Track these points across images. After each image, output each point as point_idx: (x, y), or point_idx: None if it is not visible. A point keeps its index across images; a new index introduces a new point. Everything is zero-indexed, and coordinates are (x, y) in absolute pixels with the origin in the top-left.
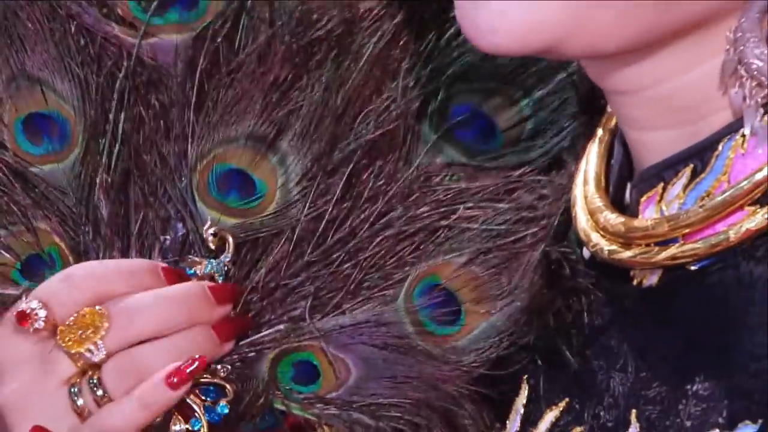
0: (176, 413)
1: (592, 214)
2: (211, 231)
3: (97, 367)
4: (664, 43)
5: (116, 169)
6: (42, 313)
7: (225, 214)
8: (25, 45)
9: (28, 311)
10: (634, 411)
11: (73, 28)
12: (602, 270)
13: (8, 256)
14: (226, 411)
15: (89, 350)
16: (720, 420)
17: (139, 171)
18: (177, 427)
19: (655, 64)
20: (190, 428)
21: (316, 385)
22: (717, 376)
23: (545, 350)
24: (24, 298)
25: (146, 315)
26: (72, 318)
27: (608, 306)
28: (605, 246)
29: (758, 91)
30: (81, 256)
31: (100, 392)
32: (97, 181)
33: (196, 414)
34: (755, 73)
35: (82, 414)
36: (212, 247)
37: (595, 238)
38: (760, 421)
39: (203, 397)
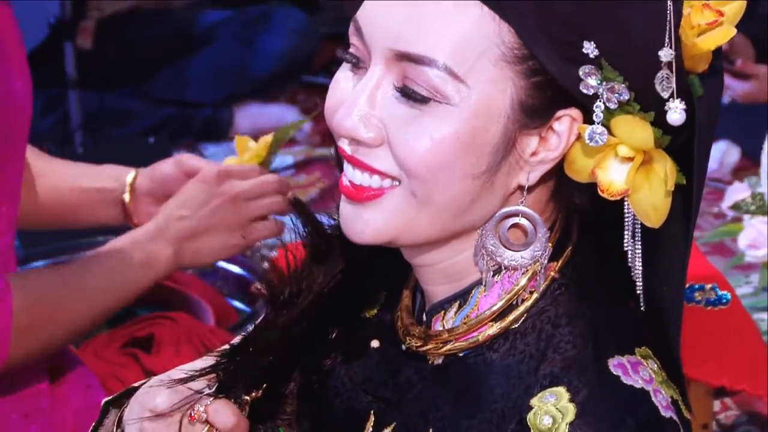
0: None
1: (405, 326)
2: None
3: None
4: (449, 239)
5: None
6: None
7: None
8: None
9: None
10: (431, 428)
11: None
12: (412, 356)
13: None
14: None
15: None
16: None
17: None
18: None
19: (442, 251)
20: None
21: None
22: (476, 412)
23: (383, 398)
24: None
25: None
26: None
27: (416, 375)
28: (414, 343)
29: (490, 262)
30: None
31: None
32: None
33: None
34: (490, 252)
35: None
36: None
37: (408, 339)
38: None
39: None
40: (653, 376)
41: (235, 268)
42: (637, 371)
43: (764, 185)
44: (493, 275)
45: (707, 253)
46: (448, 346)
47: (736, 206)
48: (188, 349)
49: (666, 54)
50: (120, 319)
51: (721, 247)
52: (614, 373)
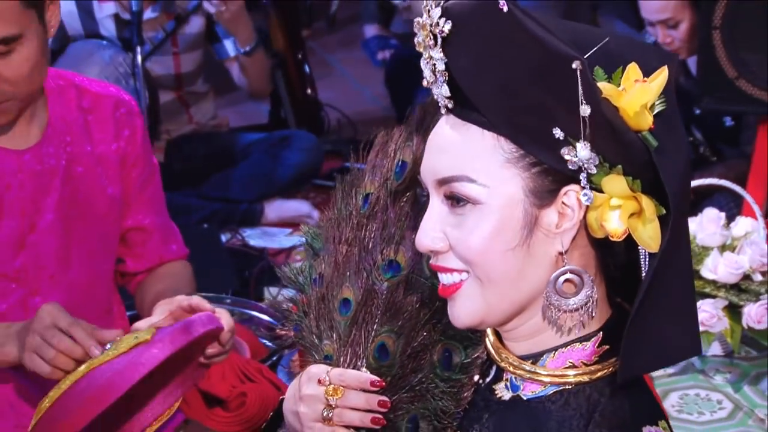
0: None
1: (497, 350)
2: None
3: (331, 407)
4: (521, 309)
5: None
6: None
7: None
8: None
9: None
10: None
11: None
12: (486, 389)
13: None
14: None
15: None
16: None
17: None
18: None
19: (519, 318)
20: None
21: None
22: None
23: (460, 423)
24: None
25: (355, 399)
26: (332, 387)
27: (487, 407)
28: (507, 366)
29: (556, 313)
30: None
31: (329, 414)
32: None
33: None
34: (556, 305)
35: (326, 419)
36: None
37: (502, 362)
38: None
39: None
40: None
41: (264, 317)
42: None
43: None
44: (561, 347)
45: None
46: (534, 375)
47: None
48: (230, 374)
49: (584, 109)
50: None
51: None
52: None
